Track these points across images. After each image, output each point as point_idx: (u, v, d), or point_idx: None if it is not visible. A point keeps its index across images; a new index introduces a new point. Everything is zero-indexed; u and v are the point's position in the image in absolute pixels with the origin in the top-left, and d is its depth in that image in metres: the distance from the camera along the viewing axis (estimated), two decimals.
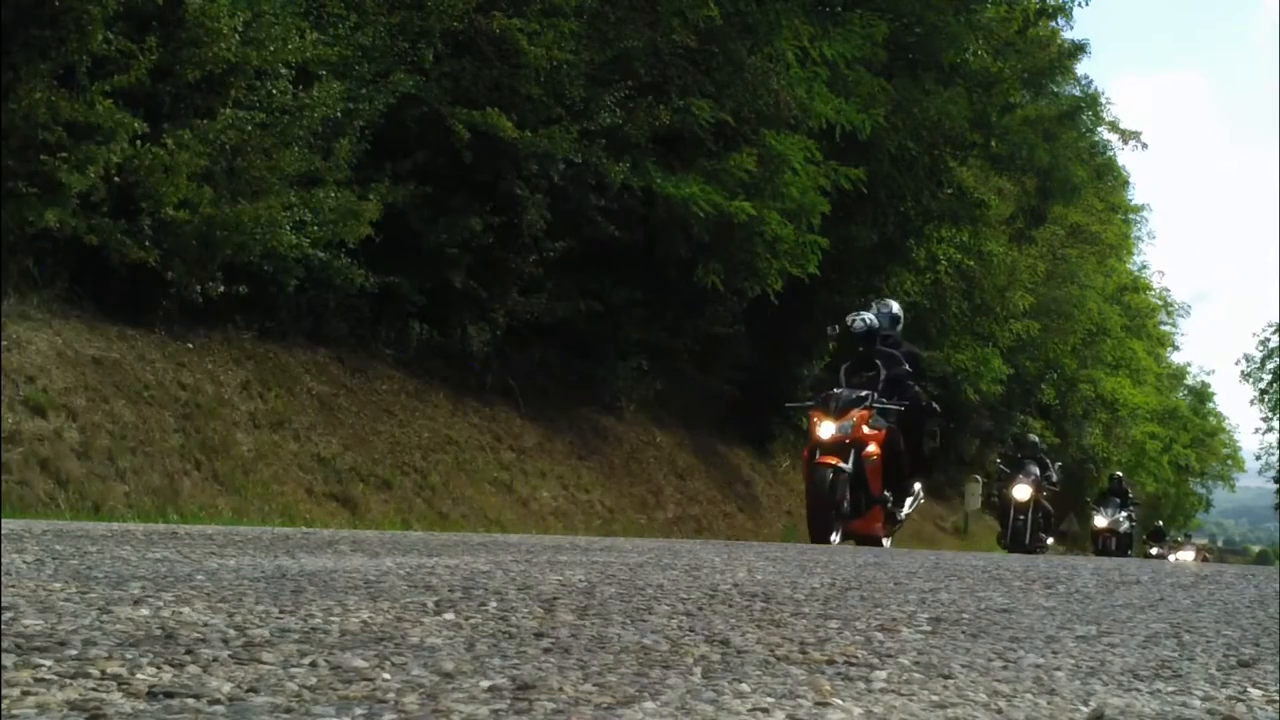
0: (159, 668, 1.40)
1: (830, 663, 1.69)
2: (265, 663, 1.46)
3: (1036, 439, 17.20)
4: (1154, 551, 25.23)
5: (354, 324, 9.84)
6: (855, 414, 8.13)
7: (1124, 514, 18.88)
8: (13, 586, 2.03)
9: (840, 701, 1.41)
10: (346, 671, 1.43)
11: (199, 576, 2.33)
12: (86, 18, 6.88)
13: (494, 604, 2.13)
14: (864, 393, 8.30)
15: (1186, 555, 27.31)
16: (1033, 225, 19.78)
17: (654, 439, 13.19)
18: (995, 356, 21.33)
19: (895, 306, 9.32)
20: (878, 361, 8.55)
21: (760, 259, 12.40)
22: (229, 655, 1.50)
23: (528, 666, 1.53)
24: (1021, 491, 14.92)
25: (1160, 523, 29.70)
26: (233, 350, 8.52)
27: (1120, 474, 21.12)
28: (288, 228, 7.94)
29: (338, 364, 9.53)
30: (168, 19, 7.49)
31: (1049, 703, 1.49)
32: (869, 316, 8.69)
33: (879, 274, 16.79)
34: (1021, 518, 14.79)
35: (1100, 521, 19.01)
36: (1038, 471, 15.21)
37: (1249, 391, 40.22)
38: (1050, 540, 16.20)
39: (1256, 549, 54.28)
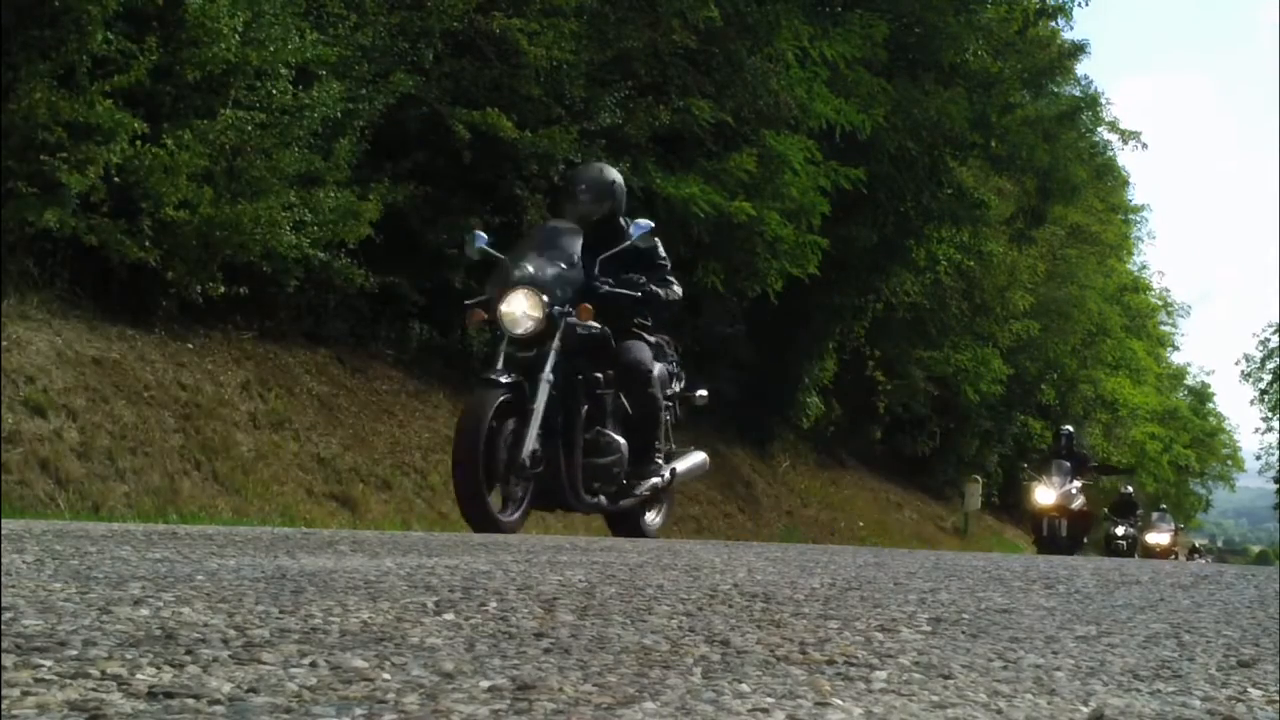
0: (159, 668, 1.40)
1: (830, 663, 1.68)
2: (265, 663, 1.46)
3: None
4: (1119, 532, 19.40)
5: (354, 324, 9.84)
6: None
7: (1076, 484, 13.59)
8: (13, 586, 2.03)
9: (840, 701, 1.41)
10: (346, 671, 1.43)
11: (199, 576, 2.32)
12: (86, 18, 6.89)
13: (494, 604, 2.13)
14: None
15: (1161, 538, 21.76)
16: (1033, 225, 19.78)
17: None
18: (995, 356, 21.34)
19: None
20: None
21: (760, 259, 12.41)
22: (229, 655, 1.50)
23: (528, 666, 1.53)
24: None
25: (1129, 488, 22.10)
26: (233, 350, 8.52)
27: (1070, 429, 15.22)
28: (288, 228, 7.94)
29: (338, 364, 9.53)
30: (168, 19, 7.49)
31: (1049, 703, 1.49)
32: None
33: (879, 274, 16.80)
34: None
35: (1045, 498, 13.55)
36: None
37: (1249, 391, 40.33)
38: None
39: (1256, 549, 54.26)
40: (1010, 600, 2.72)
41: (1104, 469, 17.48)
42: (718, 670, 1.58)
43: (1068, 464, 13.65)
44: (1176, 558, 21.85)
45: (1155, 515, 23.11)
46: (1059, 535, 13.35)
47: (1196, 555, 28.61)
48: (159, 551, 2.84)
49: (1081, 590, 3.12)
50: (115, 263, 7.49)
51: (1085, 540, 14.65)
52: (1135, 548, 19.56)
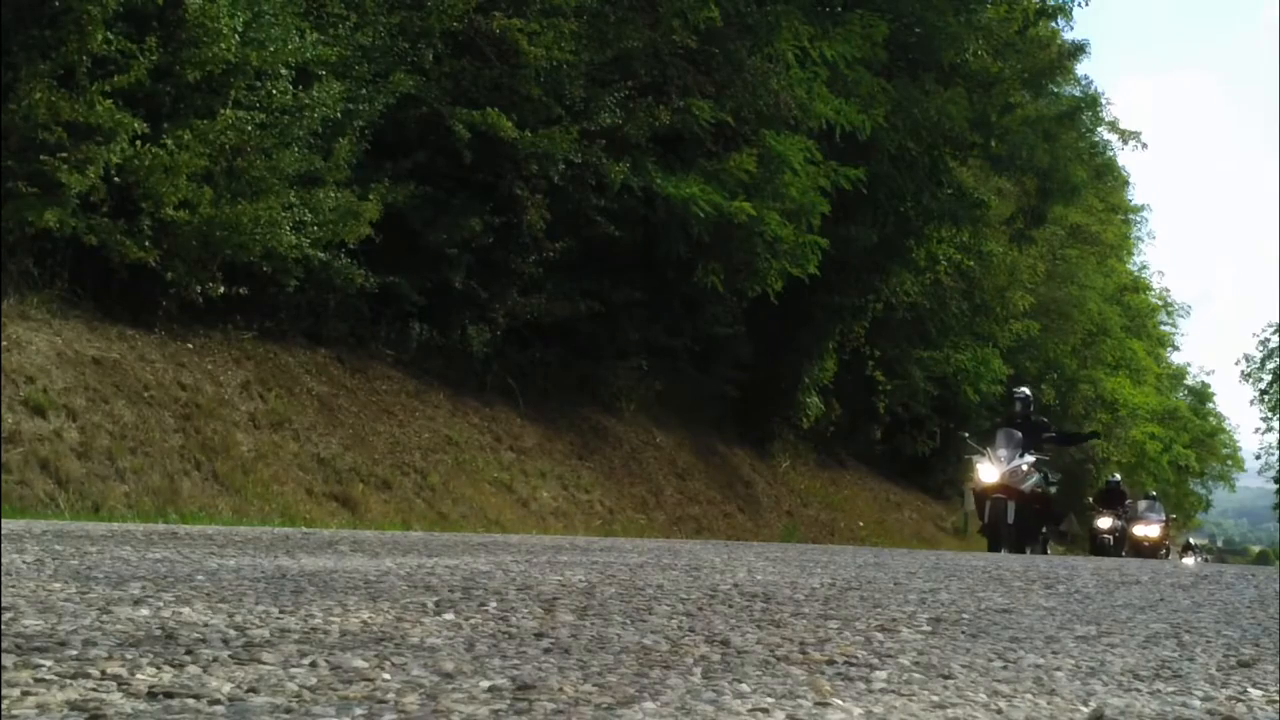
0: (159, 668, 1.40)
1: (830, 663, 1.68)
2: (265, 663, 1.46)
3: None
4: (1104, 525, 17.05)
5: (354, 324, 9.84)
6: None
7: (1029, 459, 10.64)
8: (13, 586, 2.03)
9: (840, 701, 1.41)
10: (346, 671, 1.43)
11: (199, 576, 2.32)
12: (86, 18, 6.88)
13: (494, 604, 2.13)
14: None
15: (1150, 530, 18.55)
16: (1033, 225, 19.79)
17: (654, 439, 13.19)
18: (995, 356, 21.34)
19: None
20: None
21: (760, 259, 12.41)
22: (229, 655, 1.50)
23: (528, 666, 1.52)
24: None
25: (1117, 477, 19.54)
26: (233, 350, 8.52)
27: (1027, 391, 11.96)
28: (288, 228, 7.94)
29: (338, 364, 9.53)
30: (168, 19, 7.49)
31: (1049, 703, 1.49)
32: None
33: (879, 274, 16.80)
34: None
35: (987, 475, 10.59)
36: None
37: (1249, 391, 40.30)
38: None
39: (1256, 549, 54.24)
40: (1010, 600, 2.72)
41: (1065, 438, 14.15)
42: (718, 670, 1.58)
43: (1019, 434, 10.77)
44: (1167, 554, 19.86)
45: (1144, 504, 20.18)
46: (1003, 523, 10.45)
47: (1191, 552, 27.36)
48: (159, 551, 2.84)
49: (1081, 590, 3.12)
50: (115, 263, 7.48)
51: (1045, 531, 11.48)
52: (1124, 543, 17.65)
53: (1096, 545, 17.32)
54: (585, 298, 11.13)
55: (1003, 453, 10.69)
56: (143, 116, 7.22)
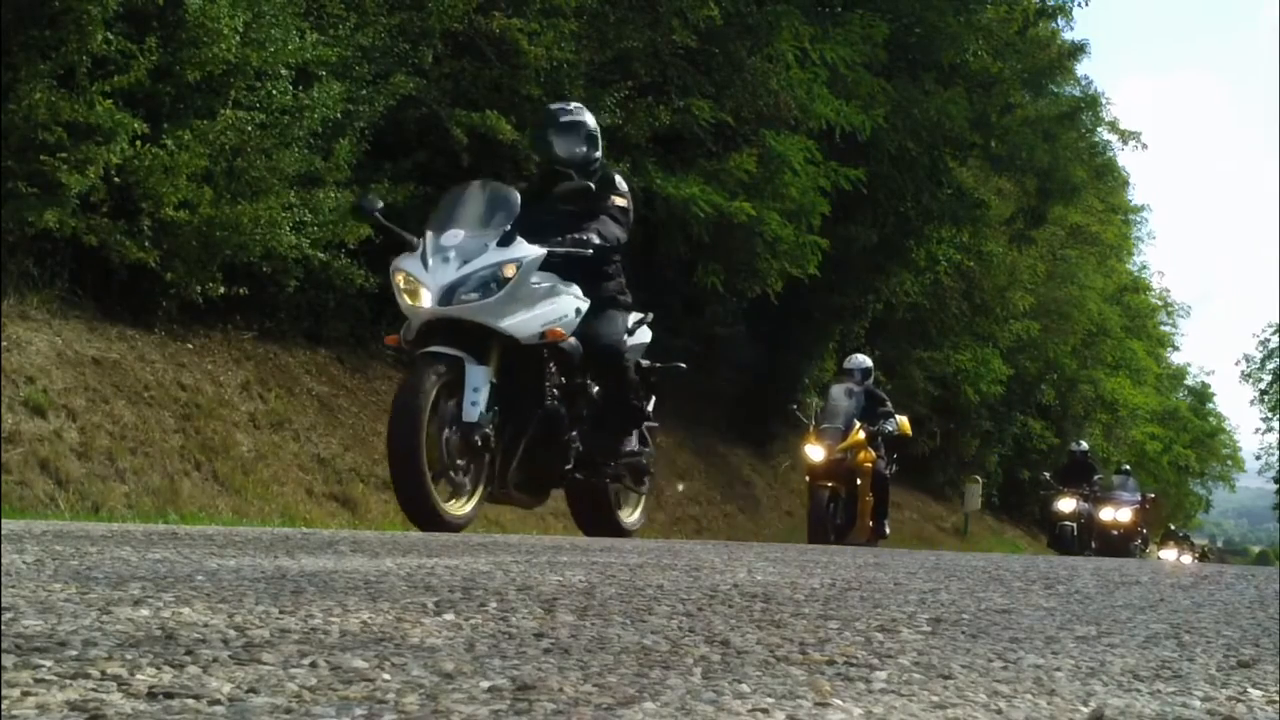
0: (159, 668, 1.40)
1: (830, 663, 1.68)
2: (265, 663, 1.46)
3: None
4: (1066, 509, 13.97)
5: (354, 324, 9.84)
6: None
7: (851, 403, 8.24)
8: (13, 587, 2.03)
9: (840, 702, 1.41)
10: (346, 672, 1.43)
11: (199, 576, 2.32)
12: (86, 18, 6.89)
13: (494, 604, 2.13)
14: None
15: (1121, 514, 15.22)
16: (1033, 226, 19.79)
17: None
18: (995, 357, 21.35)
19: None
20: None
21: (760, 259, 12.42)
22: (229, 655, 1.50)
23: (528, 667, 1.52)
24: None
25: (1085, 445, 16.48)
26: (233, 350, 8.52)
27: (867, 362, 9.45)
28: (288, 228, 7.94)
29: (338, 364, 9.53)
30: (168, 19, 7.49)
31: (1049, 703, 1.49)
32: None
33: (879, 274, 16.81)
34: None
35: (814, 454, 8.44)
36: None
37: (1249, 392, 40.39)
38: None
39: (1256, 549, 54.23)
40: (1010, 600, 2.72)
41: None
42: (718, 670, 1.58)
43: (858, 391, 8.00)
44: (1144, 544, 16.44)
45: (1116, 480, 16.64)
46: (826, 514, 7.84)
47: (1175, 544, 23.82)
48: (159, 551, 2.84)
49: (1081, 590, 3.12)
50: (115, 263, 7.49)
51: (859, 520, 9.07)
52: (1091, 531, 14.59)
53: (1057, 536, 14.35)
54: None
55: (829, 429, 7.81)
56: (143, 116, 7.22)
